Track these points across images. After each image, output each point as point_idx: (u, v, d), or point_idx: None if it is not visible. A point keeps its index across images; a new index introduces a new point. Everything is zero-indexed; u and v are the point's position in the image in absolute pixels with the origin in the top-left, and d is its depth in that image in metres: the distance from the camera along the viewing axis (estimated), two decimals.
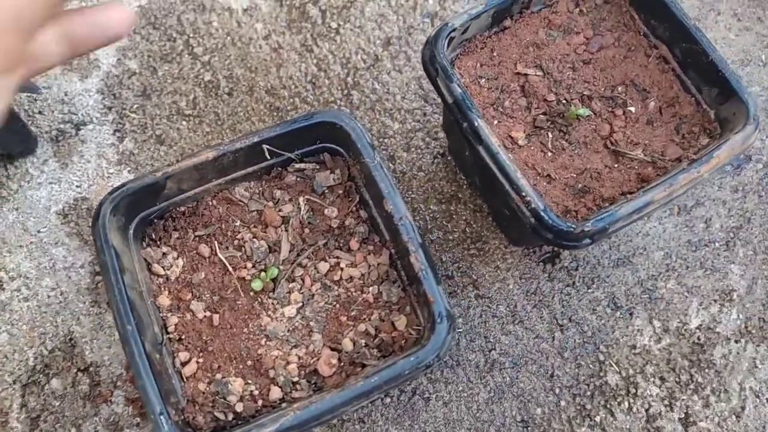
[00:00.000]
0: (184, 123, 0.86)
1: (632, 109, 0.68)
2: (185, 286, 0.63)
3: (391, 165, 0.86)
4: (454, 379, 0.77)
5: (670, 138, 0.67)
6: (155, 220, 0.64)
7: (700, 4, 0.96)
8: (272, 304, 0.63)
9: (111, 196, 0.58)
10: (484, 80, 0.69)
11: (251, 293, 0.63)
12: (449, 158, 0.85)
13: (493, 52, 0.71)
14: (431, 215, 0.83)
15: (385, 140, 0.87)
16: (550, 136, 0.67)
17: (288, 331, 0.62)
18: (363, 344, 0.60)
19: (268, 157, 0.63)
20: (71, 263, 0.78)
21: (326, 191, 0.67)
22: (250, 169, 0.65)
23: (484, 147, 0.61)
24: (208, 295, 0.62)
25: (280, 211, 0.66)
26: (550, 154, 0.66)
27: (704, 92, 0.67)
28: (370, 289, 0.63)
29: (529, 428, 0.75)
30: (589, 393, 0.76)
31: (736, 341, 0.79)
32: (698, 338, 0.79)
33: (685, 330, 0.79)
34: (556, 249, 0.81)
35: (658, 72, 0.70)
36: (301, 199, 0.66)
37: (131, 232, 0.61)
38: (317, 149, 0.66)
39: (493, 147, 0.60)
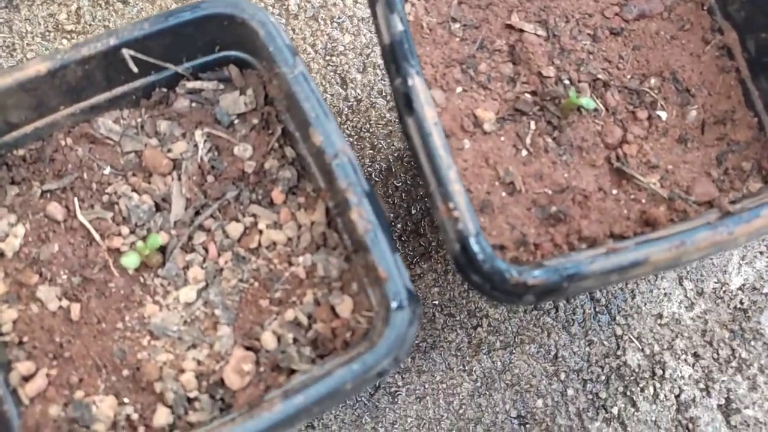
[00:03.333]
0: (64, 41, 0.65)
1: (663, 114, 0.48)
2: (29, 265, 0.44)
3: (342, 90, 0.65)
4: (429, 366, 0.59)
5: (705, 169, 0.47)
6: None
7: None
8: (160, 285, 0.44)
9: None
10: (458, 25, 0.48)
11: (129, 272, 0.44)
12: None
13: None
14: (395, 154, 0.64)
15: (334, 58, 0.66)
16: (533, 127, 0.47)
17: (183, 324, 0.43)
18: (291, 340, 0.43)
19: (135, 70, 0.42)
20: None
21: (235, 121, 0.47)
22: (117, 91, 0.45)
23: (414, 120, 0.41)
24: (64, 277, 0.44)
25: (168, 151, 0.46)
26: (525, 153, 0.46)
27: None
28: (301, 259, 0.44)
29: (527, 425, 0.58)
30: (603, 378, 0.60)
31: None
32: (741, 302, 0.63)
33: (725, 292, 0.63)
34: None
35: (715, 69, 0.49)
36: (198, 133, 0.46)
37: None
38: (218, 60, 0.46)
39: (427, 123, 0.40)
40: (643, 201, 0.46)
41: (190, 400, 0.41)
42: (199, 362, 0.42)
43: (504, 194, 0.45)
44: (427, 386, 0.59)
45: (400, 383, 0.59)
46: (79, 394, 0.41)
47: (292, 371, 0.41)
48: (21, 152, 0.45)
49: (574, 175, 0.46)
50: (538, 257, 0.44)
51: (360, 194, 0.40)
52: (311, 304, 0.43)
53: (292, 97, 0.41)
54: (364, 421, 0.57)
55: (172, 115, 0.47)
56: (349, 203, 0.39)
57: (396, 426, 0.58)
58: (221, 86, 0.47)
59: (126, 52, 0.41)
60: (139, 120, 0.46)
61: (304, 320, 0.43)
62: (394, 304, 0.38)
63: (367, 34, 0.67)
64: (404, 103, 0.41)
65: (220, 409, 0.41)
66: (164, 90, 0.46)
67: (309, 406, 0.36)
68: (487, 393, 0.59)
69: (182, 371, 0.42)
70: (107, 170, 0.46)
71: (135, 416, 0.41)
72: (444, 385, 0.59)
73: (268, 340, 0.42)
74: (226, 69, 0.47)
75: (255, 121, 0.47)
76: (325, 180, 0.43)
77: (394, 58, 0.41)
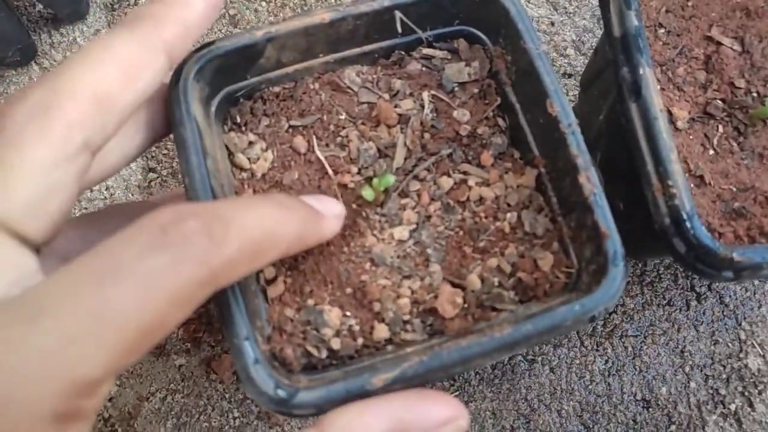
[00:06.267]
0: (263, 3, 0.71)
1: None
2: (274, 186, 0.49)
3: None
4: (564, 341, 0.64)
5: None
6: (242, 100, 0.50)
7: None
8: (378, 221, 0.50)
9: (197, 54, 0.45)
10: (663, 31, 0.54)
11: (354, 205, 0.50)
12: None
13: (689, 1, 0.55)
14: None
15: None
16: (720, 130, 0.52)
17: (398, 257, 0.49)
18: (496, 283, 0.47)
19: (399, 30, 0.49)
20: None
21: (456, 88, 0.52)
22: (367, 48, 0.51)
23: (640, 105, 0.46)
24: None
25: (397, 107, 0.52)
26: (712, 152, 0.52)
27: None
28: (507, 215, 0.49)
29: (650, 409, 0.62)
30: (724, 376, 0.63)
31: None
32: None
33: None
34: None
35: None
36: (425, 94, 0.52)
37: (213, 109, 0.48)
38: (452, 32, 0.52)
39: (654, 109, 0.46)
40: None
41: (405, 322, 0.46)
42: (413, 291, 0.48)
43: (692, 186, 0.50)
44: (561, 359, 0.63)
45: (536, 352, 0.64)
46: (310, 302, 0.47)
47: (495, 310, 0.47)
48: (276, 89, 0.51)
49: (756, 178, 0.51)
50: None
51: (588, 161, 0.45)
52: (514, 256, 0.48)
53: (531, 71, 0.47)
54: (500, 383, 0.62)
55: (403, 76, 0.52)
56: (578, 168, 0.45)
57: (530, 391, 0.62)
58: (449, 56, 0.53)
59: (397, 14, 0.47)
60: (374, 76, 0.52)
61: (507, 268, 0.48)
62: (613, 260, 0.43)
63: None
64: (632, 89, 0.46)
65: (429, 334, 0.47)
66: (402, 53, 0.52)
67: (532, 334, 0.41)
68: (617, 374, 0.63)
69: (399, 296, 0.47)
70: (343, 116, 0.52)
71: (356, 328, 0.46)
72: (577, 361, 0.63)
73: (474, 280, 0.47)
74: (455, 42, 0.53)
75: (474, 90, 0.52)
76: (542, 148, 0.49)
77: (626, 49, 0.47)
